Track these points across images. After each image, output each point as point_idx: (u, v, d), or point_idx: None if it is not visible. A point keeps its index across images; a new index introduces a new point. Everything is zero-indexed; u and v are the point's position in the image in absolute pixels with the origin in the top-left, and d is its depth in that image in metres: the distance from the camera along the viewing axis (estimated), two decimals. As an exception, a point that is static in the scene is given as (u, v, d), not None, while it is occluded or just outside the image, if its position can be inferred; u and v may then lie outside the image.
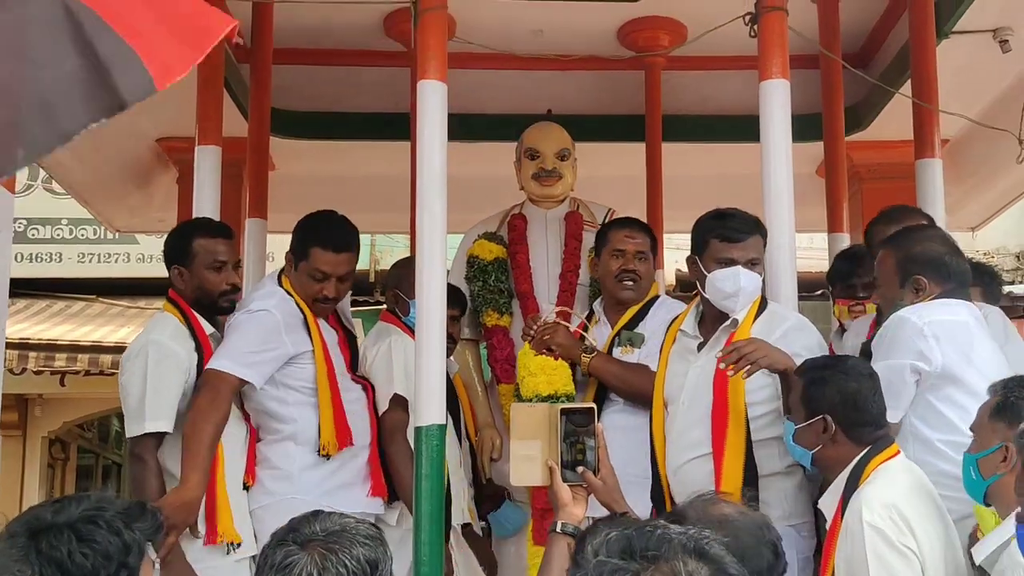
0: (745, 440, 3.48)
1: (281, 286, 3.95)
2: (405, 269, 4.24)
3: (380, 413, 3.97)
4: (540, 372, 4.10)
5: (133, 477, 3.69)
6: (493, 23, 5.58)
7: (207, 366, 3.71)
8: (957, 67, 5.33)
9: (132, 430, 3.66)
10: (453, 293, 4.60)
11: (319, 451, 3.82)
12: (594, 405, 2.51)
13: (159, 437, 3.67)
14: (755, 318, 3.60)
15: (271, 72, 5.57)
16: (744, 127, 5.31)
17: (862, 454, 3.08)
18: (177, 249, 3.93)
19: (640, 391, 3.98)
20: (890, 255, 3.55)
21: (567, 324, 4.28)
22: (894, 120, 5.72)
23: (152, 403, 3.63)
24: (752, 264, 3.60)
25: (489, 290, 4.75)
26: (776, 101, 3.99)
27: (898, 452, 3.11)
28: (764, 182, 4.00)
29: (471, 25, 5.25)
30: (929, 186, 4.78)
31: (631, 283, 4.26)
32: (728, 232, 3.61)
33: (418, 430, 3.57)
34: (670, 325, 3.90)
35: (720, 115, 6.39)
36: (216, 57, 4.82)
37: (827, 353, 3.68)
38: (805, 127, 5.01)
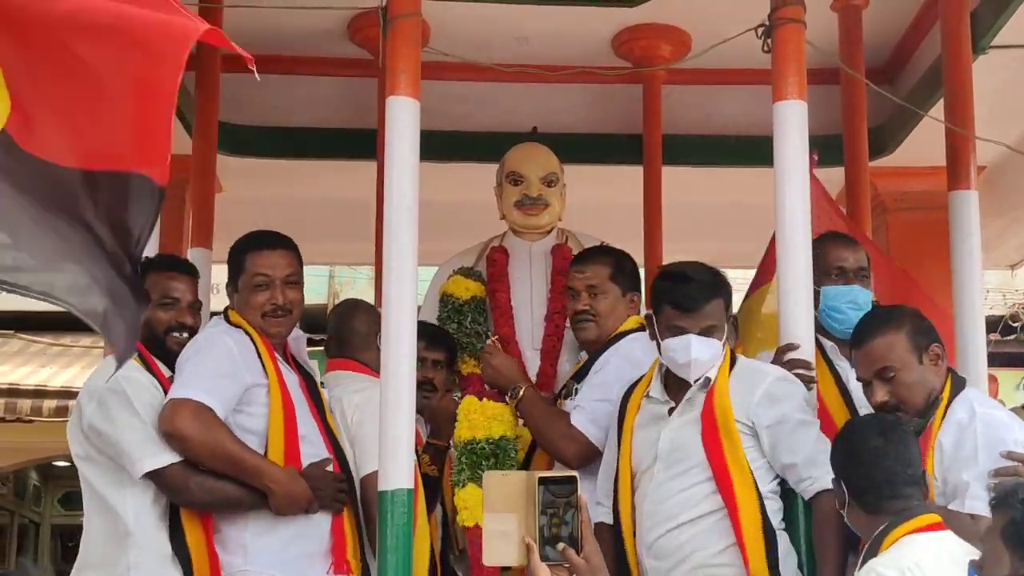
0: (756, 493, 3.56)
1: (228, 321, 3.98)
2: (352, 312, 4.38)
3: (364, 474, 3.95)
4: (478, 414, 4.18)
5: (209, 503, 3.74)
6: (472, 30, 5.59)
7: (167, 397, 3.73)
8: (995, 86, 5.38)
9: (152, 463, 3.70)
10: (438, 334, 4.59)
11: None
12: (576, 474, 2.49)
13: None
14: (729, 371, 3.71)
15: (219, 82, 5.57)
16: (755, 149, 5.35)
17: (881, 527, 3.11)
18: None
19: (548, 441, 4.14)
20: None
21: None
22: (924, 144, 5.75)
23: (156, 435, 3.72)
24: (709, 331, 3.68)
25: (465, 333, 4.74)
26: (792, 124, 4.00)
27: (937, 524, 3.11)
28: (777, 213, 4.01)
29: (447, 32, 5.25)
30: (964, 220, 4.79)
31: (585, 323, 4.26)
32: (680, 300, 3.69)
33: (383, 495, 3.54)
34: (629, 392, 3.90)
35: (727, 135, 6.42)
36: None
37: (813, 406, 3.75)
38: (824, 150, 5.01)
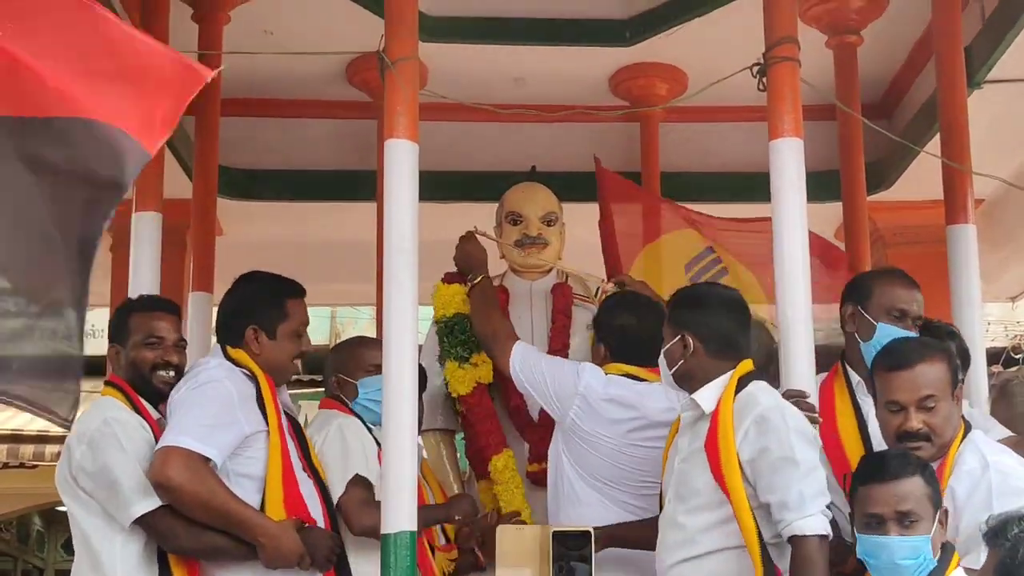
0: (756, 530, 3.40)
1: (229, 359, 3.91)
2: (347, 351, 4.34)
3: (337, 499, 3.94)
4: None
5: (198, 551, 3.70)
6: (469, 71, 5.63)
7: (160, 444, 3.66)
8: (991, 120, 5.40)
9: (141, 508, 3.65)
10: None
11: None
12: (590, 528, 2.49)
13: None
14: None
15: (219, 125, 5.58)
16: (752, 185, 5.36)
17: None
18: (114, 327, 4.02)
19: (480, 332, 4.53)
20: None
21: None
22: (921, 178, 5.77)
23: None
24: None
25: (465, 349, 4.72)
26: (788, 162, 4.01)
27: None
28: (776, 248, 4.01)
29: (445, 74, 5.30)
30: (962, 254, 4.80)
31: None
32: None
33: (386, 538, 3.53)
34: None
35: (725, 172, 6.45)
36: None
37: (812, 438, 3.58)
38: (821, 185, 5.05)
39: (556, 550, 2.46)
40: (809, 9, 5.30)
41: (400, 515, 3.53)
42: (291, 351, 3.96)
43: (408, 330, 3.70)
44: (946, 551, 3.15)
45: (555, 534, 2.47)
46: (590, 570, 2.44)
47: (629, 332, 4.32)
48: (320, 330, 11.31)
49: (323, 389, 4.47)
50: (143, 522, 3.67)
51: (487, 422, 4.64)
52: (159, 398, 3.92)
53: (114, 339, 3.98)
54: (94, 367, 4.13)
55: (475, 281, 4.61)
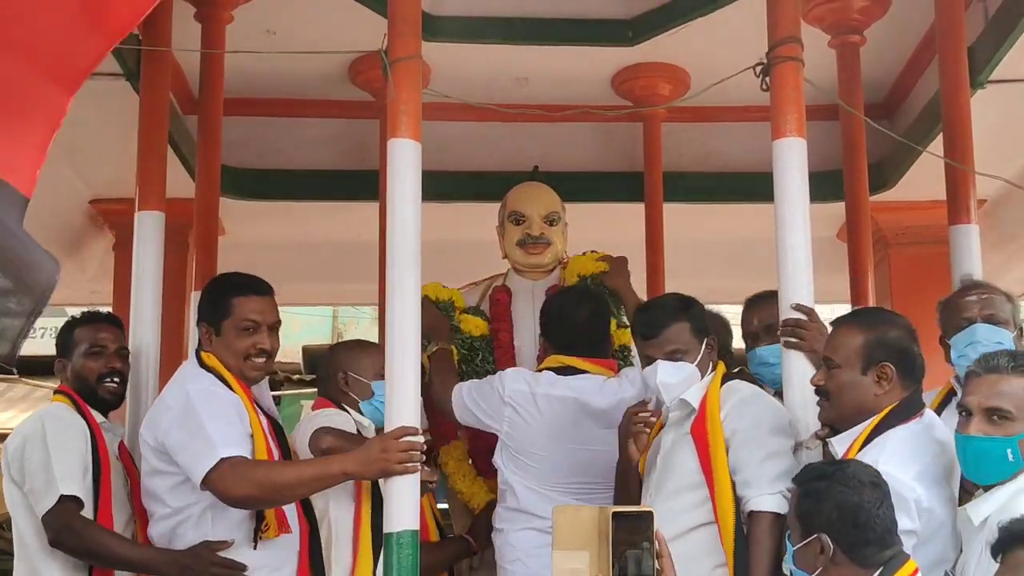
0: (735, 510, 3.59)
1: (204, 366, 3.90)
2: (362, 351, 4.31)
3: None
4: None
5: (87, 551, 3.82)
6: (472, 71, 5.63)
7: (197, 470, 3.64)
8: (994, 120, 5.39)
9: (44, 504, 3.80)
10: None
11: (254, 535, 3.77)
12: (652, 509, 2.45)
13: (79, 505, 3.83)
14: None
15: (221, 125, 5.57)
16: (755, 185, 5.37)
17: None
18: (60, 342, 4.25)
19: (446, 400, 4.41)
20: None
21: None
22: (924, 178, 5.77)
23: (59, 468, 3.82)
24: (673, 355, 3.77)
25: (475, 371, 4.73)
26: (792, 161, 4.01)
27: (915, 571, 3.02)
28: (779, 248, 4.00)
29: (448, 73, 5.29)
30: (965, 254, 4.80)
31: None
32: (642, 329, 3.88)
33: (388, 536, 3.53)
34: None
35: (728, 172, 6.45)
36: (159, 108, 4.84)
37: (789, 427, 3.71)
38: (824, 186, 5.04)
39: (616, 532, 2.40)
40: (812, 9, 5.29)
41: (402, 514, 3.53)
42: (239, 348, 3.91)
43: (411, 330, 3.69)
44: None
45: (615, 515, 2.43)
46: (652, 551, 2.40)
47: (566, 323, 4.39)
48: (322, 330, 11.31)
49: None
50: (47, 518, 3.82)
51: (438, 415, 4.66)
52: (106, 406, 4.15)
53: (61, 353, 4.21)
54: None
55: (436, 349, 4.60)
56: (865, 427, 3.40)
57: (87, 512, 3.86)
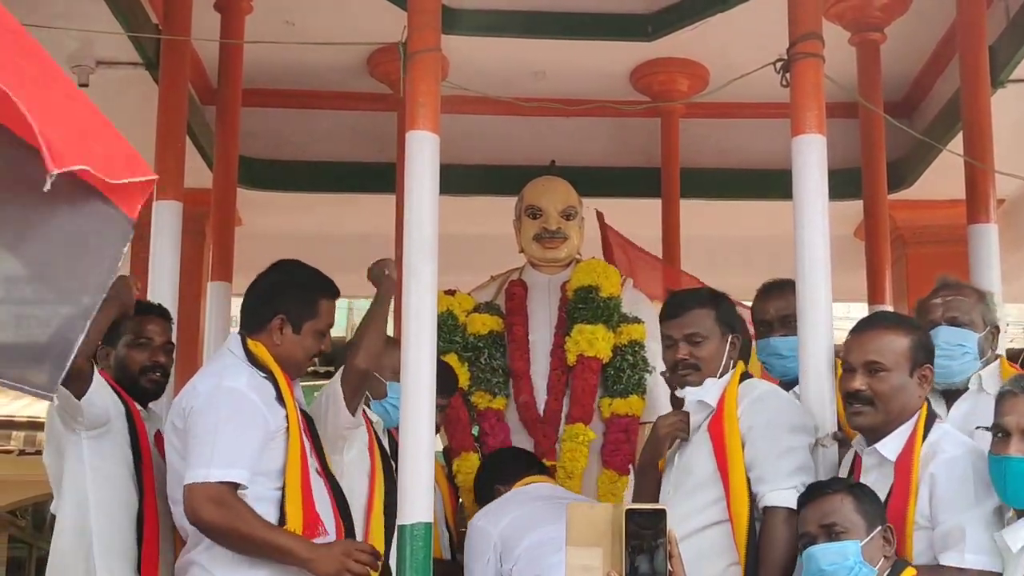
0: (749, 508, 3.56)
1: (250, 354, 3.76)
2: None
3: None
4: None
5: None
6: (490, 64, 5.63)
7: (188, 479, 3.57)
8: (1014, 119, 5.37)
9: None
10: (445, 375, 4.37)
11: None
12: (665, 507, 2.44)
13: None
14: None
15: (239, 116, 5.59)
16: (773, 182, 5.35)
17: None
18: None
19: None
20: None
21: None
22: (943, 177, 5.76)
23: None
24: (692, 338, 3.72)
25: (481, 368, 4.73)
26: (811, 158, 3.99)
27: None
28: (797, 246, 3.99)
29: (465, 66, 5.29)
30: (983, 253, 4.79)
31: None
32: (668, 309, 3.84)
33: (401, 528, 3.54)
34: None
35: (745, 169, 6.43)
36: (178, 98, 4.85)
37: (805, 424, 3.69)
38: (842, 184, 5.02)
39: (630, 529, 2.39)
40: (833, 6, 5.28)
41: (416, 507, 3.54)
42: (311, 349, 3.84)
43: (427, 323, 3.70)
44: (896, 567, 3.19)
45: (628, 512, 2.42)
46: (666, 548, 2.39)
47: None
48: (337, 322, 11.23)
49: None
50: None
51: (456, 424, 4.71)
52: (146, 397, 4.07)
53: (105, 341, 4.02)
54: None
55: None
56: (913, 426, 3.39)
57: (135, 501, 3.89)
